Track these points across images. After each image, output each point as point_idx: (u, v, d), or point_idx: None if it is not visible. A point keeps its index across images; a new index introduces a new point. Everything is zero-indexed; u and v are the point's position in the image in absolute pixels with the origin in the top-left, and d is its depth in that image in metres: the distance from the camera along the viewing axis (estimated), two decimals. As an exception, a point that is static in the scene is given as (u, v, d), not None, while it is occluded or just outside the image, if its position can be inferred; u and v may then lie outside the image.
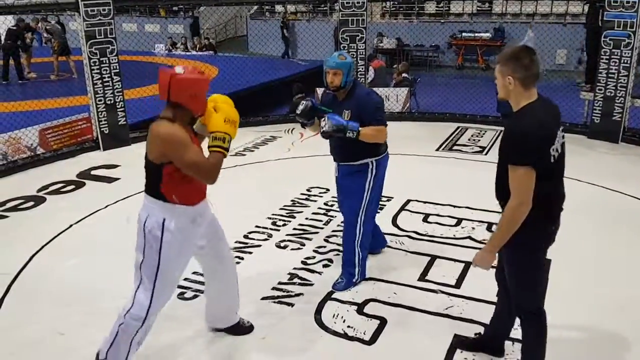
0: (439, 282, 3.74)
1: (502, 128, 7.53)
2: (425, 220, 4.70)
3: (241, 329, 3.24)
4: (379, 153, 3.62)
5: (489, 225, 4.56)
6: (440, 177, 5.77)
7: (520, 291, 2.63)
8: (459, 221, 4.67)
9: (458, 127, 7.53)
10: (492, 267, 2.62)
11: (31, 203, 5.19)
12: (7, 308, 3.53)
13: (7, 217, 4.92)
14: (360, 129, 3.38)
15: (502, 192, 2.46)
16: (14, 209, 5.07)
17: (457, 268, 3.92)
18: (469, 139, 7.08)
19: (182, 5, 18.41)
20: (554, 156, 2.36)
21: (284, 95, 9.77)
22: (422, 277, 3.81)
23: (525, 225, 2.37)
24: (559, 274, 3.82)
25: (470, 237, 4.39)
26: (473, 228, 4.54)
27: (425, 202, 5.02)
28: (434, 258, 4.06)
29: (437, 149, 6.68)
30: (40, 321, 3.38)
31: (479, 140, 7.02)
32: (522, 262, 2.55)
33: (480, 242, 4.30)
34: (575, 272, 3.88)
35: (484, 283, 3.69)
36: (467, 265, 3.94)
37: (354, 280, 3.70)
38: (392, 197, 5.11)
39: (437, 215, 4.78)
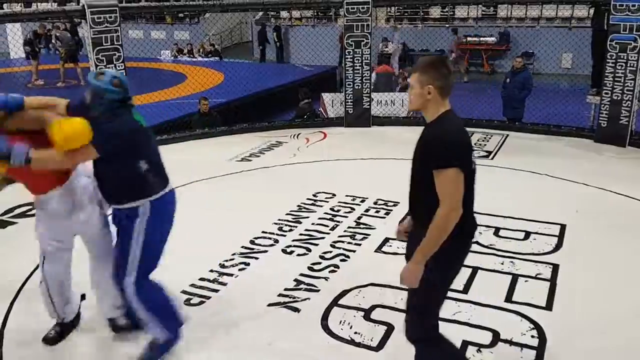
0: (446, 288, 3.72)
1: (509, 133, 7.51)
2: (431, 225, 4.68)
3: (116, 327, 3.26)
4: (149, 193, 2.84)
5: (496, 230, 4.55)
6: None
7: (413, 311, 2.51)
8: (466, 226, 4.64)
9: (464, 132, 7.51)
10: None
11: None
12: (16, 314, 3.54)
13: (16, 223, 4.95)
14: (33, 154, 2.65)
15: (420, 208, 2.41)
16: (23, 215, 5.08)
17: (464, 273, 3.88)
18: (474, 144, 7.04)
19: (188, 12, 18.53)
20: (473, 162, 2.35)
21: (290, 100, 9.84)
22: (429, 282, 3.79)
23: (449, 237, 2.27)
24: (568, 277, 3.82)
25: (477, 242, 4.36)
26: (480, 233, 4.52)
27: (431, 207, 5.00)
28: (440, 263, 4.03)
29: (443, 154, 6.67)
30: (49, 326, 3.39)
31: (485, 145, 7.01)
32: (435, 279, 2.39)
33: (487, 247, 4.29)
34: (583, 277, 3.86)
35: (492, 288, 3.70)
36: (475, 270, 3.93)
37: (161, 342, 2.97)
38: (399, 202, 5.10)
39: (444, 220, 4.75)
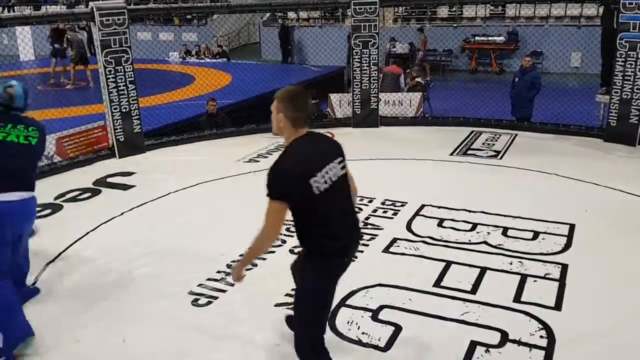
0: (454, 288, 3.71)
1: (517, 132, 7.49)
2: (440, 225, 4.67)
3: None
4: None
5: (505, 230, 4.53)
6: (454, 181, 5.74)
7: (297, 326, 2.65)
8: (474, 226, 4.63)
9: (472, 132, 7.48)
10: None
11: (48, 211, 5.24)
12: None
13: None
14: None
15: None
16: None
17: (472, 273, 3.89)
18: (483, 143, 7.03)
19: (196, 14, 18.59)
20: (318, 188, 2.43)
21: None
22: (437, 283, 3.78)
23: (309, 250, 2.55)
24: (577, 277, 3.79)
25: (485, 242, 4.36)
26: (488, 233, 4.50)
27: (439, 207, 4.99)
28: (449, 264, 4.03)
29: (451, 154, 6.65)
30: (57, 328, 3.41)
31: (494, 145, 6.97)
32: (304, 294, 2.59)
33: (495, 247, 4.27)
34: (592, 277, 3.83)
35: (500, 288, 3.68)
36: (483, 270, 3.92)
37: None
38: (406, 203, 5.09)
39: (452, 220, 4.74)
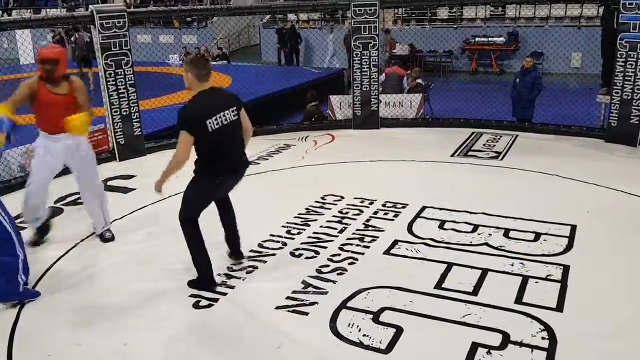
0: (456, 290, 3.70)
1: (518, 134, 7.49)
2: (441, 227, 4.66)
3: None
4: None
5: (506, 232, 4.51)
6: (455, 183, 5.73)
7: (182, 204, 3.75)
8: (476, 228, 4.62)
9: (473, 133, 7.47)
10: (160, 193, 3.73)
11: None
12: (25, 319, 3.56)
13: (25, 228, 4.97)
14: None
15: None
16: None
17: (474, 275, 3.88)
18: (484, 145, 7.02)
19: (196, 16, 18.62)
20: (212, 127, 3.49)
21: (298, 103, 9.84)
22: (439, 285, 3.77)
23: (199, 171, 3.64)
24: (579, 279, 3.78)
25: (487, 244, 4.35)
26: (490, 235, 4.49)
27: (441, 209, 4.98)
28: (450, 265, 4.02)
29: (452, 155, 6.64)
30: (58, 332, 3.41)
31: (495, 146, 6.96)
32: (191, 192, 3.71)
33: (497, 248, 4.26)
34: (594, 278, 3.82)
35: (502, 290, 3.68)
36: (485, 272, 3.91)
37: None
38: (407, 205, 5.08)
39: (454, 222, 4.74)
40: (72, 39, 12.45)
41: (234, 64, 16.62)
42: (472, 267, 3.99)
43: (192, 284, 3.83)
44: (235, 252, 4.15)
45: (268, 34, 18.44)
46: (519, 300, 3.56)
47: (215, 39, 18.62)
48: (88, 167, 4.51)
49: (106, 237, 4.63)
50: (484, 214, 4.86)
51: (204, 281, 3.79)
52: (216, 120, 3.51)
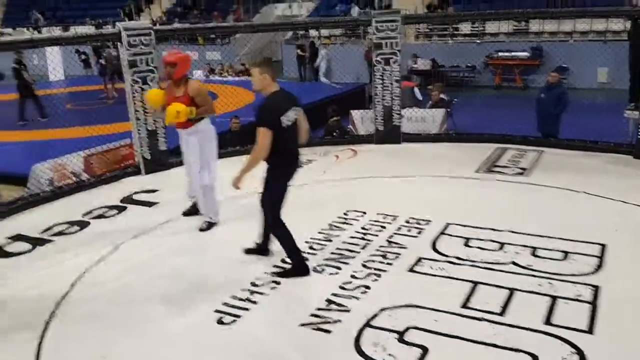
0: (482, 310, 3.63)
1: (544, 149, 7.35)
2: (466, 244, 4.59)
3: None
4: None
5: (533, 250, 4.43)
6: (480, 199, 5.65)
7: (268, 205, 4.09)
8: (502, 246, 4.54)
9: (497, 148, 7.38)
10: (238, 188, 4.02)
11: (76, 228, 5.31)
12: (52, 332, 3.59)
13: (52, 241, 5.05)
14: None
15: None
16: (60, 233, 5.19)
17: (501, 295, 3.80)
18: (508, 160, 6.93)
19: (220, 33, 18.88)
20: (285, 123, 3.84)
21: (319, 118, 9.86)
22: (465, 304, 3.71)
23: (275, 165, 3.95)
24: (609, 299, 3.68)
25: (513, 262, 4.27)
26: (517, 253, 4.41)
27: (465, 226, 4.91)
28: (476, 284, 3.94)
29: (476, 171, 6.56)
30: (85, 345, 3.43)
31: (520, 162, 6.87)
32: (274, 189, 4.05)
33: (524, 267, 4.17)
34: (625, 297, 3.71)
35: (530, 310, 3.59)
36: (512, 291, 3.83)
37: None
38: (431, 221, 5.02)
39: (479, 239, 4.66)
40: (104, 54, 12.75)
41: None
42: (498, 286, 3.91)
43: (284, 274, 4.12)
44: (264, 249, 4.43)
45: (290, 50, 18.58)
46: (547, 321, 3.48)
47: (238, 55, 18.84)
48: (188, 156, 5.04)
49: (200, 227, 5.08)
50: (510, 231, 4.77)
51: (302, 268, 4.12)
52: (287, 117, 3.85)
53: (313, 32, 18.01)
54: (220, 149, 7.88)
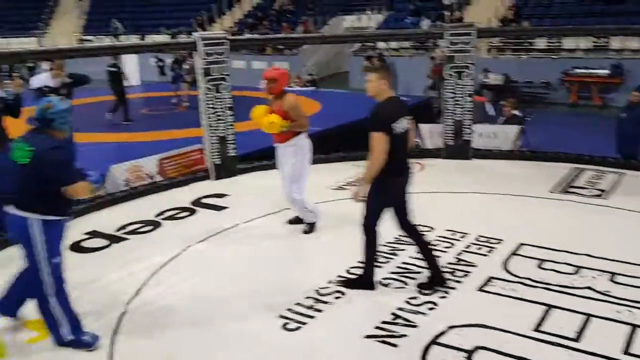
0: (556, 334, 3.47)
1: (625, 171, 6.97)
2: (539, 266, 4.41)
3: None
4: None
5: (612, 275, 4.19)
6: (555, 221, 5.41)
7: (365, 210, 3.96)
8: (578, 269, 4.33)
9: (573, 168, 7.07)
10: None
11: (149, 227, 5.51)
12: (124, 329, 3.71)
13: (127, 239, 5.26)
14: None
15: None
16: (134, 232, 5.40)
17: (576, 320, 3.62)
18: (586, 182, 6.62)
19: (290, 44, 19.21)
20: (396, 130, 3.73)
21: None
22: (537, 328, 3.55)
23: (381, 173, 3.73)
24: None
25: (590, 288, 4.06)
26: (594, 277, 4.19)
27: (539, 247, 4.71)
28: (550, 307, 3.78)
29: (551, 191, 6.29)
30: (155, 344, 3.53)
31: (598, 183, 6.54)
32: (374, 197, 3.86)
33: (601, 293, 3.96)
34: None
35: (608, 338, 3.40)
36: (588, 317, 3.64)
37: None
38: (502, 240, 4.86)
39: (553, 261, 4.46)
40: (185, 62, 13.25)
41: (323, 90, 16.90)
42: (573, 311, 3.73)
43: (351, 284, 4.12)
44: (436, 278, 4.09)
45: (357, 61, 18.62)
46: (626, 350, 3.29)
47: (305, 65, 19.07)
48: (282, 168, 5.14)
49: (303, 229, 5.22)
50: (586, 255, 4.55)
51: (368, 282, 4.07)
52: (398, 124, 3.77)
53: (381, 45, 17.98)
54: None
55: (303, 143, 5.04)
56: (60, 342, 3.42)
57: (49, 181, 3.22)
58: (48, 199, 3.25)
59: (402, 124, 3.79)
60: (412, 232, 4.09)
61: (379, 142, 3.68)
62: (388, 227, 5.10)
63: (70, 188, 3.25)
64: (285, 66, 19.64)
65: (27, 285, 3.46)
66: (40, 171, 3.21)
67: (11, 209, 3.31)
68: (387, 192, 3.88)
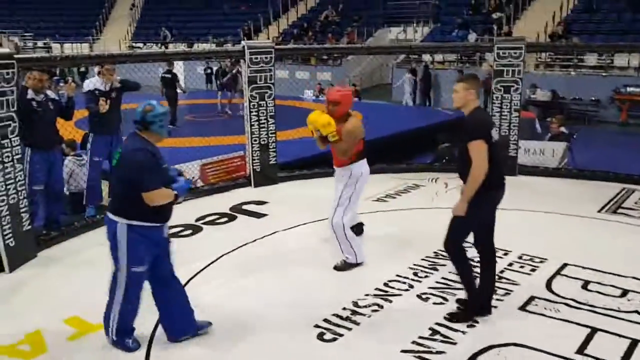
0: (600, 358, 3.34)
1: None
2: (584, 287, 4.26)
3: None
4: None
5: (665, 301, 4.01)
6: (602, 242, 5.23)
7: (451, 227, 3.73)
8: (625, 292, 4.17)
9: (623, 189, 6.81)
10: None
11: (190, 231, 5.60)
12: (160, 335, 3.71)
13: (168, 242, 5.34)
14: None
15: (462, 171, 3.63)
16: (176, 235, 5.47)
17: (622, 344, 3.49)
18: (636, 203, 6.37)
19: (335, 54, 19.31)
20: (493, 138, 3.60)
21: (428, 143, 9.70)
22: (581, 350, 3.44)
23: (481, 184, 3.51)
24: None
25: (637, 312, 3.90)
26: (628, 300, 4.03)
27: (584, 268, 4.56)
28: (594, 330, 3.65)
29: (599, 211, 6.09)
30: (189, 352, 3.55)
31: (648, 205, 6.30)
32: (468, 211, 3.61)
33: (648, 317, 3.80)
34: None
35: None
36: (635, 342, 3.50)
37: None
38: (546, 259, 4.73)
39: (599, 283, 4.31)
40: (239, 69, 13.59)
41: (365, 101, 16.90)
42: (619, 335, 3.59)
43: (461, 317, 3.77)
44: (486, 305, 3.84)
45: (400, 73, 18.56)
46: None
47: (348, 76, 19.12)
48: (335, 191, 4.73)
49: (335, 265, 4.71)
50: (634, 278, 4.38)
51: (477, 305, 3.78)
52: (494, 132, 3.67)
53: (426, 57, 17.87)
54: (327, 167, 8.05)
55: (358, 172, 4.64)
56: (109, 340, 3.50)
57: (130, 184, 3.16)
58: (133, 203, 3.18)
59: (495, 134, 3.68)
60: (491, 255, 3.80)
61: (480, 150, 3.46)
62: (427, 243, 5.08)
63: (149, 194, 3.15)
64: (327, 77, 19.88)
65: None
66: (123, 173, 3.21)
67: (107, 212, 3.35)
68: (484, 208, 3.63)
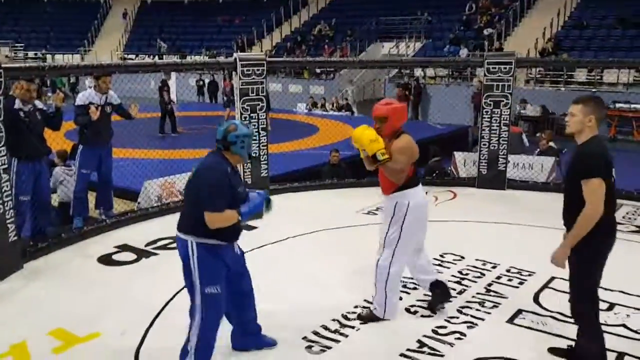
0: (588, 372, 3.34)
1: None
2: (572, 301, 4.28)
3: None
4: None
5: (654, 316, 4.03)
6: (589, 255, 5.26)
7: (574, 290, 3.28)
8: (612, 306, 4.19)
9: (610, 203, 6.88)
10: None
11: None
12: (150, 341, 3.75)
13: (157, 254, 5.33)
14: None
15: (568, 215, 3.14)
16: (164, 247, 5.47)
17: (610, 358, 3.48)
18: (623, 217, 6.43)
19: (327, 68, 19.44)
20: (613, 176, 3.05)
21: (419, 157, 9.73)
22: (568, 364, 3.44)
23: (592, 231, 3.04)
24: None
25: (624, 325, 3.92)
26: (628, 315, 4.05)
27: (572, 281, 4.58)
28: (581, 344, 3.65)
29: (586, 225, 6.13)
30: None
31: (636, 219, 6.36)
32: (584, 267, 3.26)
33: (636, 331, 3.82)
34: None
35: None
36: (621, 356, 3.52)
37: None
38: (534, 272, 4.76)
39: (586, 297, 4.32)
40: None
41: (357, 115, 16.98)
42: (607, 349, 3.58)
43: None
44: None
45: (393, 88, 18.69)
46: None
47: (341, 90, 19.22)
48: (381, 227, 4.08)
49: (359, 312, 4.11)
50: (620, 291, 4.40)
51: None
52: (614, 170, 3.12)
53: (417, 72, 18.02)
54: (318, 180, 8.11)
55: (404, 203, 3.83)
56: None
57: (197, 200, 3.08)
58: (201, 221, 3.06)
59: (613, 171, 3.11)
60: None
61: (598, 190, 2.97)
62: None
63: (210, 215, 3.03)
64: (320, 90, 20.00)
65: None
66: (192, 189, 3.13)
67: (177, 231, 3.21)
68: (598, 258, 3.21)
